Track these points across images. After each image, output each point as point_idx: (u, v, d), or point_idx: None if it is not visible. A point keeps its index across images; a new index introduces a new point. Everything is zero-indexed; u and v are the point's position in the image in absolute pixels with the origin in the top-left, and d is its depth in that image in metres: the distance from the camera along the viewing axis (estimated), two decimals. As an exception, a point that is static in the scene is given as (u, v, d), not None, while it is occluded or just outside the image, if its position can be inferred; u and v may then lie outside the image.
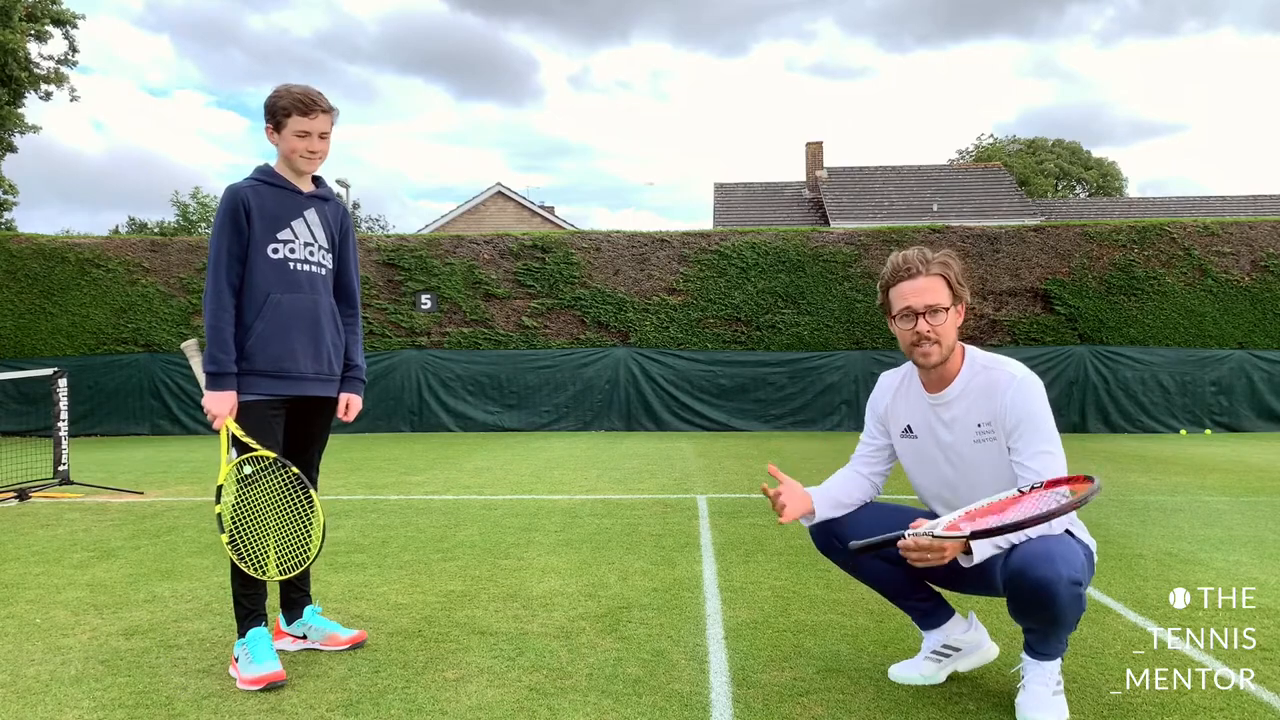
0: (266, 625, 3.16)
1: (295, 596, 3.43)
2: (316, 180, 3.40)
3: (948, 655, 3.00)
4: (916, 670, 3.00)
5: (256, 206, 3.20)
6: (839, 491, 2.97)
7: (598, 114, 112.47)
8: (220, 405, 3.11)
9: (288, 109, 3.20)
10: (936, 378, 2.85)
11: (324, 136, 3.26)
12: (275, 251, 3.23)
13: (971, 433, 2.78)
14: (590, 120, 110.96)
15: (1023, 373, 2.79)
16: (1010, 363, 2.85)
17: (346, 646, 3.40)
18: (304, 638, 3.42)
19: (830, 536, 2.97)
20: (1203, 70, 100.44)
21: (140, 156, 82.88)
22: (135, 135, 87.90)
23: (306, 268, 3.29)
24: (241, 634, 3.11)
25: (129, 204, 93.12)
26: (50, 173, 70.77)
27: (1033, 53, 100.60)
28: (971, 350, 2.87)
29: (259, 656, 3.00)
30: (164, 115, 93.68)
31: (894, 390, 3.01)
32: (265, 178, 3.28)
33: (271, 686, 2.94)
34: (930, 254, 2.82)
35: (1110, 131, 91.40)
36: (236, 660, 3.06)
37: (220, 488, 3.13)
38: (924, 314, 2.74)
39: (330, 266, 3.40)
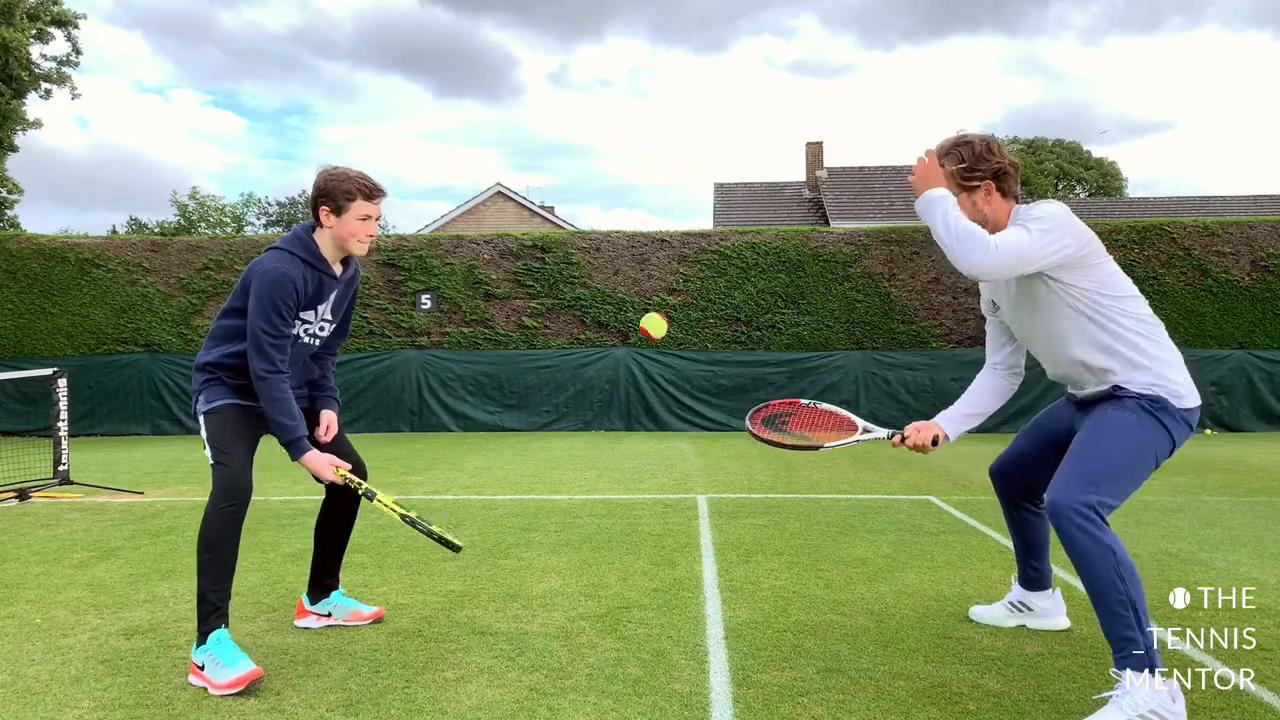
0: (227, 626, 3.13)
1: (327, 581, 3.70)
2: (346, 260, 3.43)
3: (1021, 611, 3.55)
4: (991, 613, 3.63)
5: (301, 289, 3.23)
6: (965, 405, 3.27)
7: (591, 114, 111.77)
8: (321, 464, 3.25)
9: (352, 193, 3.23)
10: None
11: (378, 219, 3.34)
12: (293, 328, 3.30)
13: (1013, 284, 3.00)
14: (586, 120, 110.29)
15: (1031, 208, 2.85)
16: (1030, 205, 2.89)
17: (369, 621, 3.70)
18: (329, 615, 3.68)
19: (1002, 481, 3.44)
20: (1189, 67, 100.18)
21: (136, 156, 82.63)
22: (131, 134, 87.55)
23: (306, 340, 3.39)
24: (203, 638, 3.04)
25: (127, 204, 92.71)
26: (43, 172, 70.83)
27: (1017, 50, 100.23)
28: (1017, 210, 2.92)
29: (230, 659, 2.98)
30: (160, 114, 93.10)
31: None
32: (311, 259, 3.27)
33: (253, 685, 2.92)
34: (945, 145, 2.98)
35: (1101, 131, 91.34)
36: (202, 668, 2.99)
37: (395, 507, 3.25)
38: None
39: (325, 335, 3.49)
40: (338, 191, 3.22)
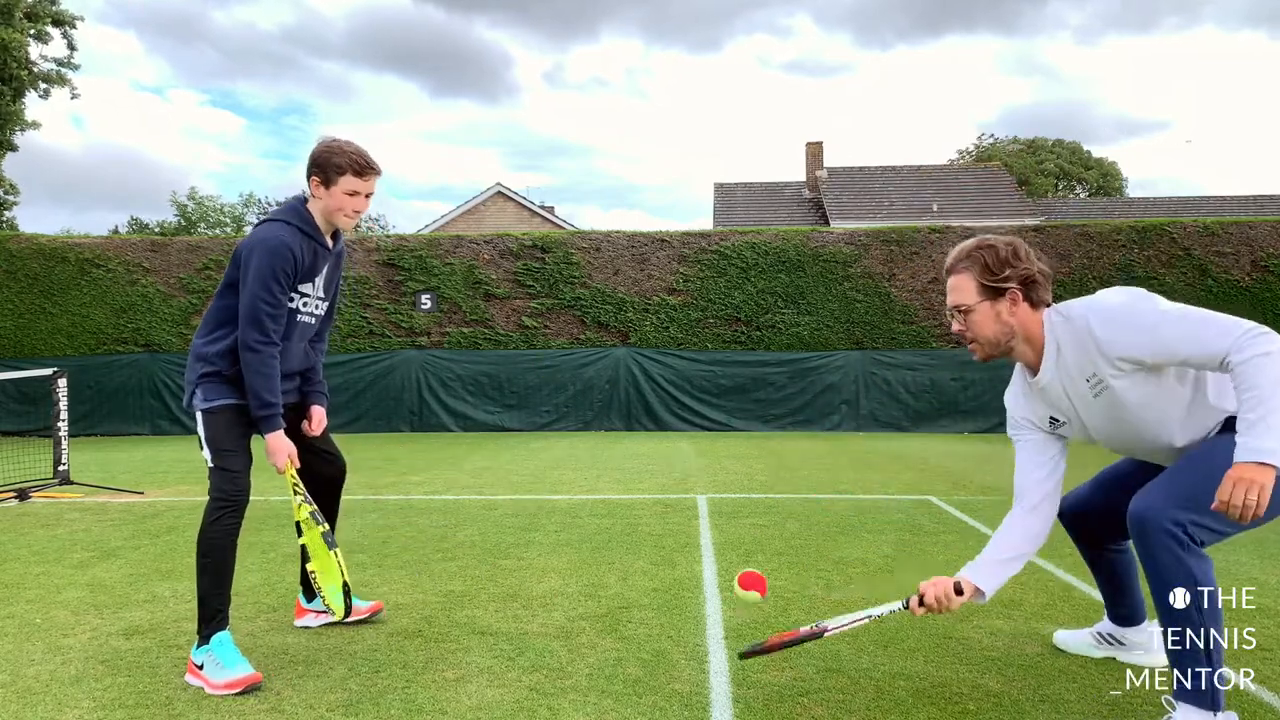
0: (229, 628, 3.15)
1: None
2: (335, 235, 3.42)
3: (1110, 643, 3.22)
4: (1077, 640, 3.27)
5: (300, 259, 3.22)
6: (998, 550, 2.76)
7: (590, 113, 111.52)
8: (282, 448, 3.24)
9: (342, 167, 3.20)
10: (1029, 362, 2.73)
11: (369, 197, 3.28)
12: (291, 301, 3.28)
13: (1086, 392, 2.61)
14: (585, 120, 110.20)
15: (1097, 301, 2.60)
16: (1087, 300, 2.63)
17: (367, 614, 3.71)
18: (325, 611, 3.62)
19: (1081, 525, 3.09)
20: (1185, 67, 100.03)
21: (135, 156, 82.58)
22: (129, 134, 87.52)
23: (303, 318, 3.36)
24: (205, 639, 3.05)
25: (125, 204, 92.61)
26: (40, 172, 70.93)
27: (1015, 49, 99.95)
28: (1050, 313, 2.67)
29: (230, 661, 2.99)
30: (159, 114, 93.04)
31: (1014, 394, 2.88)
32: (305, 227, 3.26)
33: (250, 689, 2.93)
34: (965, 248, 2.71)
35: (1097, 130, 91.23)
36: (201, 667, 3.01)
37: (299, 524, 3.29)
38: (954, 314, 2.73)
39: (321, 315, 3.48)
40: (329, 164, 3.20)
